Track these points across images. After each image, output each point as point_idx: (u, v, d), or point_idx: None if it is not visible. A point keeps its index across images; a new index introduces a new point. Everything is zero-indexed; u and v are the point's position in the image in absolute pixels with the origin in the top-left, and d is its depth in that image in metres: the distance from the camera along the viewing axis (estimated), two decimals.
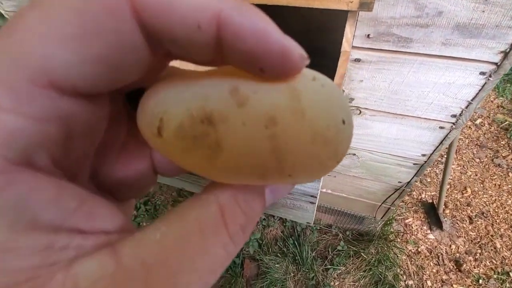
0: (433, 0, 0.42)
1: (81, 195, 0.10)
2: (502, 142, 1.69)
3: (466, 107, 0.56)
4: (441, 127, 0.62)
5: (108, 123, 0.13)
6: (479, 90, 0.52)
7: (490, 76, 0.49)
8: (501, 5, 0.41)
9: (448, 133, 0.63)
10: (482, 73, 0.49)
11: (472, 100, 0.54)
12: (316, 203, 0.56)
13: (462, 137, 1.73)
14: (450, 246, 1.32)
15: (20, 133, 0.08)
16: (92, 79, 0.09)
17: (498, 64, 0.47)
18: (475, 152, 1.66)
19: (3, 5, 0.81)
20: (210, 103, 0.09)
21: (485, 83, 0.50)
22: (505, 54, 0.46)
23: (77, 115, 0.10)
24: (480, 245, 1.32)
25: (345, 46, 0.44)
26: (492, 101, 1.91)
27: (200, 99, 0.10)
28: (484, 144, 1.69)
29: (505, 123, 1.78)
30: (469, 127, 1.78)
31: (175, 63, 0.13)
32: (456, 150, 1.66)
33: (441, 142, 0.65)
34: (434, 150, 0.68)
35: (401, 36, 0.48)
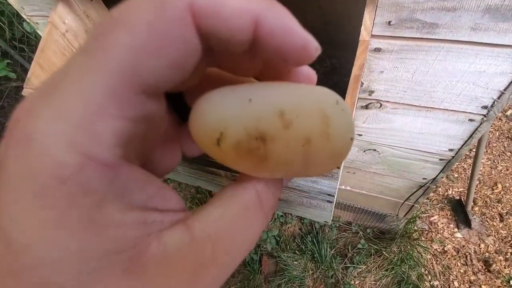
0: None
1: (157, 183, 0.13)
2: None
3: (499, 98, 0.51)
4: (470, 120, 0.57)
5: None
6: None
7: None
8: None
9: (479, 126, 0.58)
10: None
11: (505, 90, 0.50)
12: (334, 202, 0.54)
13: (492, 129, 1.62)
14: (479, 245, 1.25)
15: (123, 134, 0.11)
16: (168, 81, 0.11)
17: None
18: (506, 145, 1.56)
19: (24, 10, 0.83)
20: (263, 125, 0.12)
21: None
22: None
23: (153, 114, 0.12)
24: (511, 244, 1.24)
25: (363, 35, 0.41)
26: None
27: (255, 120, 0.12)
28: None
29: None
30: (500, 119, 1.67)
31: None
32: (486, 143, 1.56)
33: (470, 136, 0.61)
34: (463, 145, 0.64)
35: (425, 21, 0.44)
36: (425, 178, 0.81)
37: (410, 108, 0.60)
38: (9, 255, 0.09)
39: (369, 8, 0.41)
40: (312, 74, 0.16)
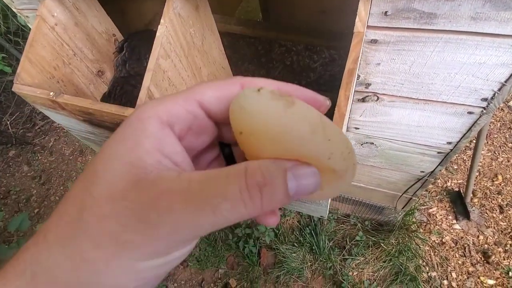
0: None
1: (182, 150, 0.19)
2: None
3: (499, 90, 0.50)
4: (469, 112, 0.56)
5: (207, 149, 0.23)
6: None
7: None
8: None
9: (478, 119, 0.57)
10: None
11: (506, 81, 0.48)
12: (329, 199, 0.53)
13: (493, 120, 1.60)
14: (478, 236, 1.25)
15: (180, 115, 0.19)
16: (214, 107, 0.20)
17: None
18: (507, 136, 1.54)
19: (14, 3, 0.81)
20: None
21: None
22: None
23: (198, 121, 0.20)
24: (511, 236, 1.24)
25: (358, 26, 0.40)
26: None
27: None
28: None
29: None
30: (502, 109, 1.65)
31: None
32: (487, 134, 1.54)
33: (469, 129, 0.60)
34: (462, 138, 0.62)
35: (423, 11, 0.42)
36: (423, 171, 0.80)
37: (407, 101, 0.59)
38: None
39: None
40: (318, 98, 0.20)
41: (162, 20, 0.51)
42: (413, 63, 0.50)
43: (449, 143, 0.65)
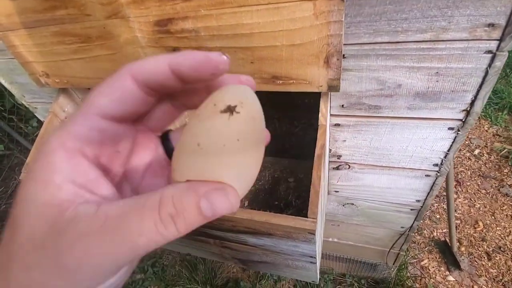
0: (391, 77, 0.50)
1: (97, 174, 0.18)
2: (505, 171, 1.69)
3: (445, 157, 0.61)
4: (427, 175, 0.66)
5: (137, 150, 0.23)
6: (452, 142, 0.57)
7: (458, 130, 0.55)
8: (452, 75, 0.48)
9: (436, 180, 0.66)
10: (451, 128, 0.55)
11: (448, 150, 0.59)
12: (317, 263, 0.58)
13: (463, 169, 1.74)
14: (473, 286, 1.25)
15: (86, 138, 0.18)
16: (117, 111, 0.19)
17: (463, 120, 0.53)
18: (479, 183, 1.66)
19: (25, 98, 0.92)
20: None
21: (456, 136, 0.56)
22: (467, 112, 0.52)
23: (108, 132, 0.19)
24: (503, 282, 1.25)
25: (321, 120, 0.50)
26: (486, 131, 1.96)
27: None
28: (487, 174, 1.69)
29: (504, 151, 1.80)
30: (469, 158, 1.80)
31: None
32: (460, 182, 1.66)
33: (431, 188, 0.69)
34: (427, 196, 0.71)
35: (370, 104, 0.55)
36: (402, 227, 0.86)
37: (374, 168, 0.68)
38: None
39: (324, 99, 0.51)
40: (243, 77, 0.22)
41: None
42: (371, 139, 0.61)
43: (418, 200, 0.74)
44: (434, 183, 0.67)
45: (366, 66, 0.49)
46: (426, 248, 1.39)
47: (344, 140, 0.63)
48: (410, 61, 0.48)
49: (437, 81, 0.49)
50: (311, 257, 0.54)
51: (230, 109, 0.18)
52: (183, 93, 0.22)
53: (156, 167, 0.23)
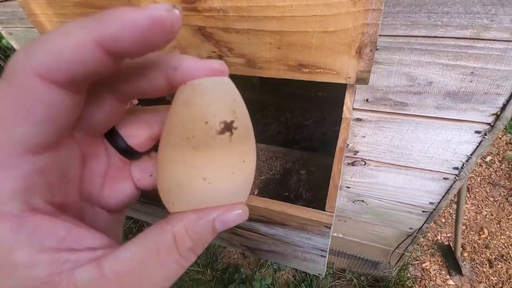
0: (423, 73, 0.48)
1: (68, 225, 0.14)
2: None
3: (467, 161, 0.59)
4: (445, 178, 0.64)
5: (86, 162, 0.18)
6: (477, 147, 0.55)
7: (485, 134, 0.53)
8: (487, 76, 0.46)
9: (453, 184, 0.65)
10: (477, 132, 0.53)
11: (471, 154, 0.57)
12: (326, 257, 0.57)
13: (473, 175, 1.71)
14: None
15: (19, 189, 0.13)
16: (45, 135, 0.13)
17: (492, 124, 0.51)
18: (488, 190, 1.63)
19: None
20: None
21: (482, 140, 0.54)
22: (497, 116, 0.50)
23: (49, 167, 0.14)
24: None
25: (345, 113, 0.49)
26: (500, 138, 1.92)
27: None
28: (497, 182, 1.67)
29: None
30: (480, 165, 1.77)
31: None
32: (469, 188, 1.63)
33: (447, 192, 0.67)
34: (441, 199, 0.70)
35: (397, 100, 0.53)
36: (411, 228, 0.85)
37: (391, 167, 0.67)
38: None
39: (349, 92, 0.49)
40: (214, 63, 0.16)
41: None
42: (392, 137, 0.60)
43: (431, 203, 0.73)
44: (451, 186, 0.65)
45: (398, 60, 0.47)
46: (429, 251, 1.39)
47: (364, 136, 0.62)
48: (446, 58, 0.46)
49: (471, 81, 0.47)
50: (322, 250, 0.53)
51: (228, 127, 0.15)
52: (127, 80, 0.17)
53: (113, 172, 0.20)
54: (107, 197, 0.19)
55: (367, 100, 0.54)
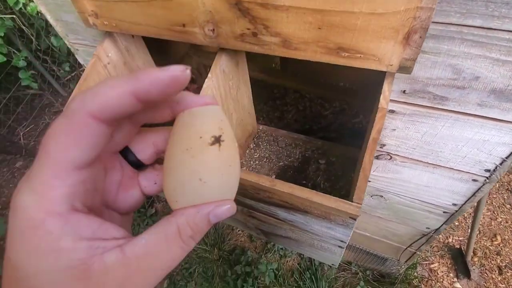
0: (471, 67, 0.45)
1: (99, 221, 0.19)
2: None
3: (501, 164, 0.56)
4: (474, 180, 0.62)
5: (106, 174, 0.23)
6: None
7: None
8: None
9: (481, 186, 0.62)
10: None
11: (507, 158, 0.55)
12: (344, 248, 0.57)
13: None
14: None
15: (67, 196, 0.18)
16: (89, 157, 0.19)
17: None
18: (505, 197, 1.58)
19: (68, 37, 0.91)
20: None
21: None
22: None
23: (88, 179, 0.20)
24: None
25: (382, 103, 0.47)
26: None
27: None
28: None
29: None
30: None
31: None
32: (487, 196, 1.59)
33: (473, 194, 0.65)
34: (466, 201, 0.68)
35: (436, 94, 0.50)
36: (428, 228, 0.84)
37: (418, 163, 0.65)
38: (10, 270, 0.17)
39: (388, 80, 0.47)
40: (207, 97, 0.22)
41: (209, 75, 0.59)
42: (425, 133, 0.57)
43: (455, 204, 0.70)
44: (479, 189, 0.63)
45: (446, 51, 0.45)
46: (439, 252, 1.37)
47: (394, 129, 0.60)
48: (498, 52, 0.42)
49: None
50: (341, 241, 0.53)
51: (217, 140, 0.20)
52: (143, 112, 0.22)
53: (126, 181, 0.25)
54: (120, 202, 0.25)
55: (404, 91, 0.52)
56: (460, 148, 0.57)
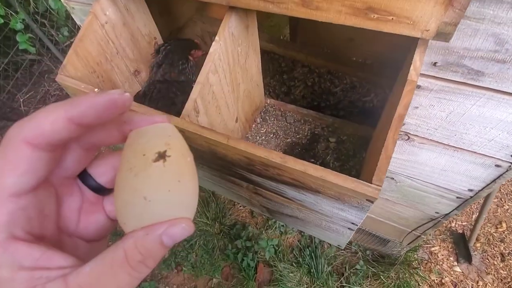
0: None
1: (42, 249, 0.18)
2: None
3: None
4: (497, 165, 0.57)
5: (62, 200, 0.22)
6: None
7: None
8: None
9: (504, 173, 0.58)
10: None
11: None
12: (354, 231, 0.54)
13: None
14: (477, 282, 1.25)
15: (4, 225, 0.17)
16: (28, 184, 0.19)
17: None
18: None
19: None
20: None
21: None
22: None
23: (30, 206, 0.19)
24: (510, 285, 1.24)
25: (412, 75, 0.41)
26: None
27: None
28: None
29: None
30: None
31: None
32: None
33: (494, 180, 0.61)
34: (484, 187, 0.64)
35: (472, 68, 0.44)
36: (437, 212, 0.81)
37: (437, 145, 0.60)
38: None
39: (421, 49, 0.41)
40: (157, 117, 0.22)
41: (217, 38, 0.53)
42: (451, 112, 0.52)
43: (471, 190, 0.67)
44: (501, 175, 0.59)
45: (491, 17, 0.38)
46: (441, 236, 1.36)
47: (417, 107, 0.54)
48: None
49: None
50: (352, 223, 0.50)
51: (161, 156, 0.19)
52: (89, 134, 0.21)
53: (87, 207, 0.24)
54: (83, 229, 0.23)
55: (435, 63, 0.46)
56: (488, 130, 0.52)
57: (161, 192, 0.19)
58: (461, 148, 0.58)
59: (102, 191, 0.24)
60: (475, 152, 0.57)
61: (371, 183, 0.39)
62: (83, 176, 0.24)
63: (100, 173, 0.24)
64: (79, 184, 0.24)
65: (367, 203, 0.41)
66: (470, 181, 0.64)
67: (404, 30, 0.39)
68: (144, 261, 0.18)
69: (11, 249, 0.17)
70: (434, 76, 0.48)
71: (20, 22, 1.98)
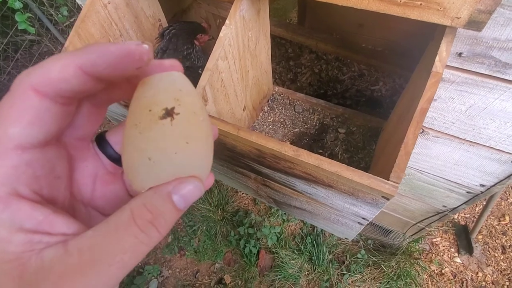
0: None
1: (46, 212, 0.16)
2: None
3: None
4: None
5: (75, 164, 0.20)
6: None
7: None
8: None
9: None
10: None
11: None
12: (364, 225, 0.53)
13: None
14: (477, 273, 1.26)
15: (7, 179, 0.15)
16: (35, 137, 0.16)
17: None
18: None
19: None
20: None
21: None
22: None
23: (37, 162, 0.17)
24: (509, 277, 1.25)
25: (437, 66, 0.39)
26: None
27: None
28: None
29: None
30: None
31: None
32: None
33: (508, 176, 0.59)
34: (497, 183, 0.62)
35: (500, 60, 0.42)
36: (445, 206, 0.80)
37: (453, 140, 0.58)
38: None
39: (448, 39, 0.38)
40: (166, 62, 0.19)
41: (227, 21, 0.50)
42: (471, 106, 0.50)
43: (482, 185, 0.65)
44: None
45: None
46: (443, 228, 1.36)
47: (435, 99, 0.52)
48: None
49: None
50: (363, 218, 0.49)
51: (169, 113, 0.17)
52: (103, 90, 0.19)
53: (103, 175, 0.22)
54: (99, 198, 0.21)
55: (460, 54, 0.43)
56: (509, 126, 0.50)
57: (167, 154, 0.17)
58: (477, 143, 0.56)
59: (120, 161, 0.22)
60: (491, 148, 0.56)
61: (388, 180, 0.37)
62: (102, 143, 0.22)
63: (119, 141, 0.22)
64: (96, 151, 0.22)
65: (383, 200, 0.39)
66: (483, 176, 0.63)
67: (432, 17, 0.36)
68: (154, 222, 0.16)
69: (13, 207, 0.15)
70: (457, 68, 0.46)
71: (19, 0, 1.91)
